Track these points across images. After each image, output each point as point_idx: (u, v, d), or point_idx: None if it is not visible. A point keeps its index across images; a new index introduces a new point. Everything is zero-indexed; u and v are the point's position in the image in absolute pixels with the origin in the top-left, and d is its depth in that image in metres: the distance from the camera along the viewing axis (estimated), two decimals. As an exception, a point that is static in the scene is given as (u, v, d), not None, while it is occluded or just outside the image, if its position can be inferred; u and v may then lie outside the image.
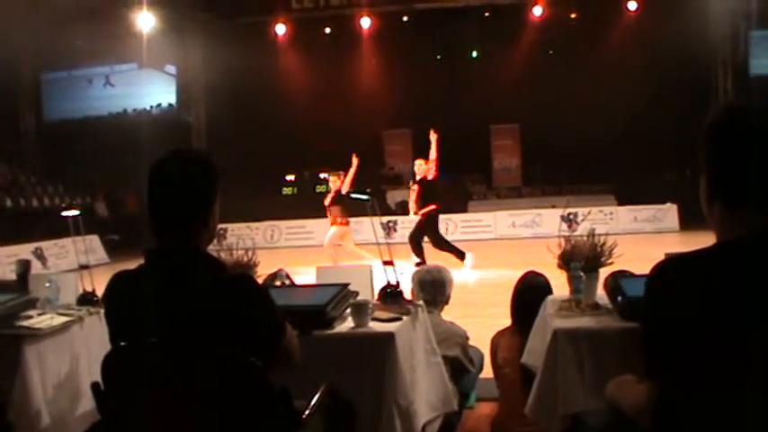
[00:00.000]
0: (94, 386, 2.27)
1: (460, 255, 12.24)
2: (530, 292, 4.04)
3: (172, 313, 2.19)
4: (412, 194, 12.41)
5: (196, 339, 2.18)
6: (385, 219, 11.77)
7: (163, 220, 2.31)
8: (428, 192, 12.22)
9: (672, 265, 1.80)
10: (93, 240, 15.53)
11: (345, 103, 21.37)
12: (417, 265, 10.81)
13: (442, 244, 12.35)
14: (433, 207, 12.23)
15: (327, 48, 22.13)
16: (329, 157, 20.90)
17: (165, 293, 2.23)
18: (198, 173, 2.32)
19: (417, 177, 12.28)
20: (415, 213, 12.35)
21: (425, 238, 12.31)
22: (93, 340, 3.74)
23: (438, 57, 23.32)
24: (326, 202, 12.41)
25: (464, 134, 21.42)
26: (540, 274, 4.26)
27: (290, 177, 23.22)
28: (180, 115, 23.65)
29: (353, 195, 4.40)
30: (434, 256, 11.69)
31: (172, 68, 24.26)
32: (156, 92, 24.76)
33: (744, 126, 1.76)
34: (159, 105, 24.96)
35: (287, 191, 23.19)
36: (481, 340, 4.81)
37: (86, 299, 4.10)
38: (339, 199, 12.13)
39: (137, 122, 23.54)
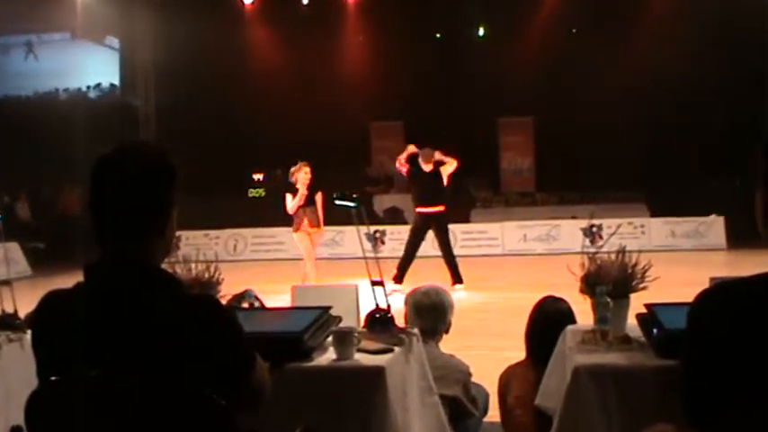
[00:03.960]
0: (15, 431, 2.27)
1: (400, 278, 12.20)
2: (549, 321, 4.05)
3: (117, 342, 2.19)
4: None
5: (147, 373, 2.18)
6: (372, 228, 11.75)
7: (109, 228, 2.30)
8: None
9: (719, 292, 1.82)
10: (13, 248, 15.45)
11: (326, 89, 21.31)
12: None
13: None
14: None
15: (305, 22, 22.03)
16: (305, 154, 20.93)
17: (109, 317, 2.22)
18: (153, 173, 2.31)
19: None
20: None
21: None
22: (12, 373, 3.71)
23: (437, 35, 23.35)
24: (302, 201, 12.09)
25: (467, 128, 21.43)
26: (562, 300, 4.29)
27: (258, 176, 23.18)
28: (124, 98, 23.57)
29: (338, 202, 4.39)
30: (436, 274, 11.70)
31: (114, 41, 24.15)
32: (94, 69, 24.71)
33: None
34: (99, 86, 24.95)
35: (253, 192, 23.12)
36: (486, 377, 4.83)
37: (5, 322, 4.06)
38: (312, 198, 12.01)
39: (70, 105, 23.47)
